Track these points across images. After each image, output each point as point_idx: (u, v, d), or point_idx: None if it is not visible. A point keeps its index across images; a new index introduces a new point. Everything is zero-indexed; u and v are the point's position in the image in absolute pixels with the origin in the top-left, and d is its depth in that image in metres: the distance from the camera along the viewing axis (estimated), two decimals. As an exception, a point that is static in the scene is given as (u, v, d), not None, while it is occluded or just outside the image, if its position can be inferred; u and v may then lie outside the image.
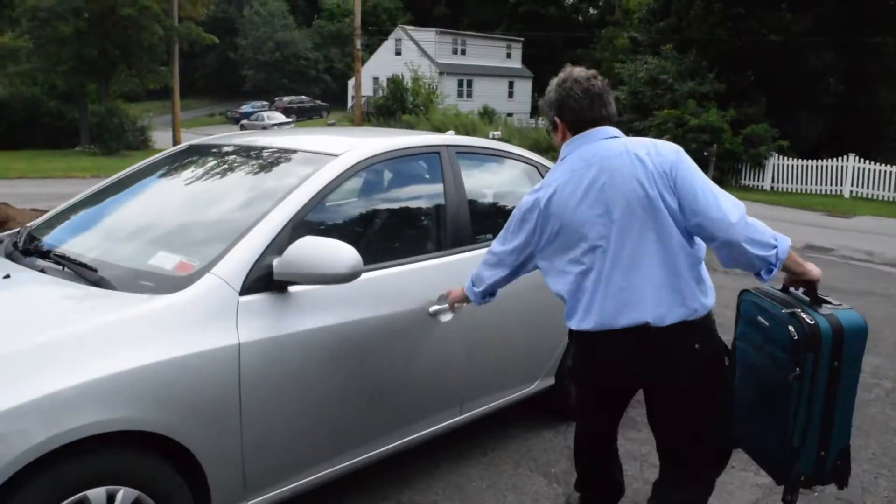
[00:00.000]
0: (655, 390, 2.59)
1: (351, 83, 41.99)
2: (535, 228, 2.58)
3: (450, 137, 3.75)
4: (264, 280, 2.57)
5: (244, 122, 42.96)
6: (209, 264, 2.52)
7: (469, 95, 47.59)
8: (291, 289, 2.63)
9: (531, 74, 52.08)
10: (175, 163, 3.60)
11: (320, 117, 48.04)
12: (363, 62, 34.30)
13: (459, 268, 3.17)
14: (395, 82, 34.21)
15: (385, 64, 44.52)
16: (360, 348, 2.85)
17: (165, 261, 2.61)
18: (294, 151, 3.24)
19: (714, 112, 22.91)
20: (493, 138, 26.84)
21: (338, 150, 3.10)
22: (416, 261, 3.20)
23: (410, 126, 29.87)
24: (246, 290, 2.52)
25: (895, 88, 26.19)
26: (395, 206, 3.53)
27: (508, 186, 4.04)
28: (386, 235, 3.38)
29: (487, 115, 38.64)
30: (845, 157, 21.37)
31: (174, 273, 2.55)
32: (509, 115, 43.83)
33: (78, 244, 2.95)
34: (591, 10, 60.90)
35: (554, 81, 2.61)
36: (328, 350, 2.72)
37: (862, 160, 21.17)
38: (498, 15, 57.16)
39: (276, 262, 2.57)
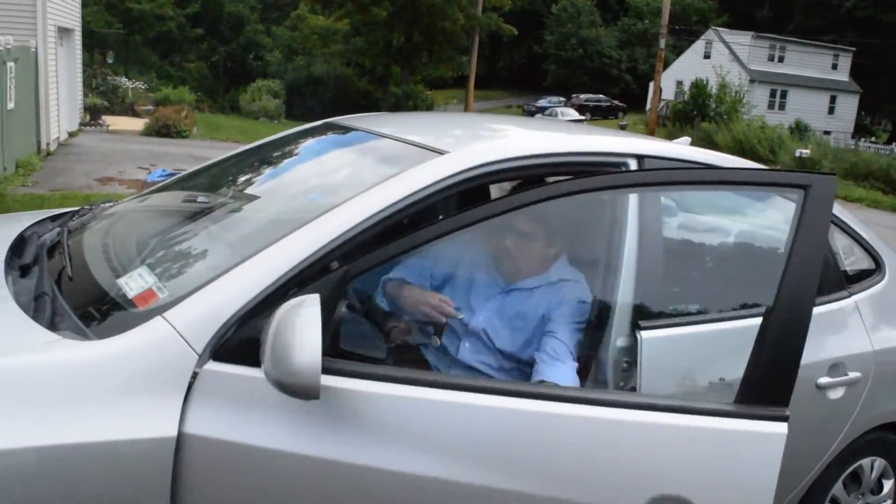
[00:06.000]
0: None
1: (652, 85, 40.18)
2: None
3: (654, 144, 2.30)
4: (256, 344, 1.51)
5: (538, 116, 42.69)
6: (176, 300, 1.61)
7: (781, 108, 43.12)
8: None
9: (859, 90, 46.00)
10: (284, 144, 2.74)
11: (615, 118, 46.42)
12: (668, 64, 32.25)
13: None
14: (697, 86, 32.33)
15: (691, 67, 41.76)
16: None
17: (135, 283, 1.74)
18: (396, 140, 2.18)
19: None
20: (800, 157, 23.54)
21: (448, 144, 1.99)
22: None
23: (707, 136, 27.48)
24: (217, 353, 1.55)
25: None
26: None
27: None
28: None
29: (799, 130, 34.86)
30: None
31: (131, 305, 1.68)
32: (826, 132, 39.19)
33: (93, 239, 2.19)
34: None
35: None
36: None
37: None
38: (827, 21, 51.11)
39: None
